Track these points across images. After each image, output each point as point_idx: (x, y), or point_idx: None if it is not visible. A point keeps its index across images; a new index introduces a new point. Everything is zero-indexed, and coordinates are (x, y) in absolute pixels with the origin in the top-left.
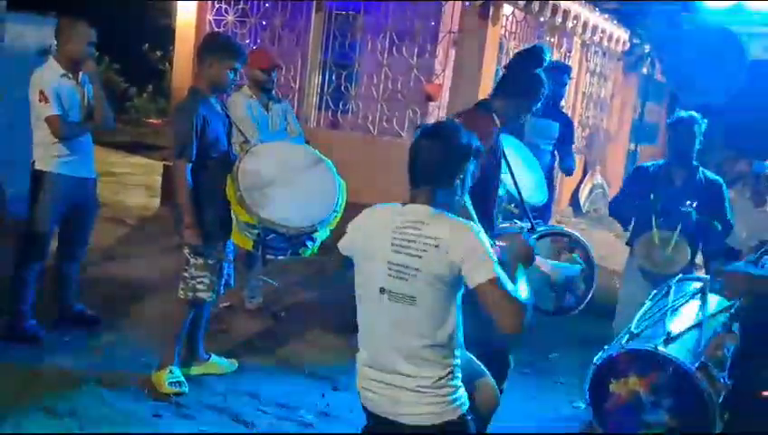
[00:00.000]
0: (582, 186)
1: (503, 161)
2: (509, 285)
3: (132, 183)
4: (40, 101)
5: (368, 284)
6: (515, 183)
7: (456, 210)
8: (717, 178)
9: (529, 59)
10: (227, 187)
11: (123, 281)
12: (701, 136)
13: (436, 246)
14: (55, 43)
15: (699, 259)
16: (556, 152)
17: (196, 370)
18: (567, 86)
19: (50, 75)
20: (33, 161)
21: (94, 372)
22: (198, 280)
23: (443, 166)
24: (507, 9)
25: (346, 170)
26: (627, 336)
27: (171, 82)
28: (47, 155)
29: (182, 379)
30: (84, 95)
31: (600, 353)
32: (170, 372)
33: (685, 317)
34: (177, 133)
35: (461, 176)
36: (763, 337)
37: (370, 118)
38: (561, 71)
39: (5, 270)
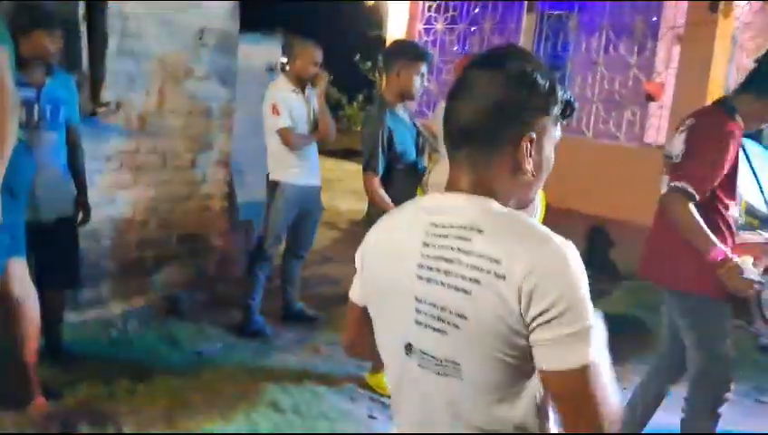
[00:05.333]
0: None
1: (746, 167)
2: (606, 376)
3: (343, 189)
4: (273, 113)
5: (387, 338)
6: (762, 191)
7: (523, 201)
8: None
9: None
10: None
11: (340, 281)
12: None
13: (499, 275)
14: (283, 60)
15: None
16: None
17: None
18: None
19: (281, 90)
20: (268, 173)
21: (314, 370)
22: None
23: (501, 111)
24: None
25: (557, 175)
26: None
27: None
28: (279, 166)
29: None
30: (310, 109)
31: None
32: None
33: None
34: (364, 146)
35: (530, 134)
36: None
37: (584, 120)
38: None
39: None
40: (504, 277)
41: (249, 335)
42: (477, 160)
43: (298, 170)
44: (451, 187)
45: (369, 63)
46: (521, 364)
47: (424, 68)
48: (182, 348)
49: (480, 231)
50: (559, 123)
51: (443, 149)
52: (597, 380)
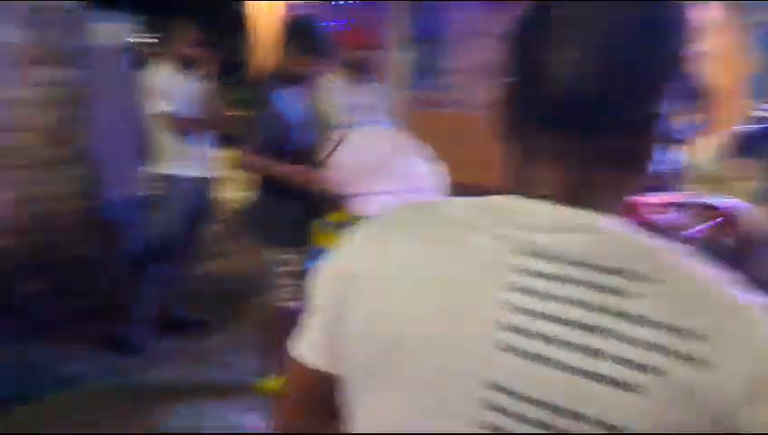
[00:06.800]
0: None
1: None
2: None
3: (223, 177)
4: (154, 99)
5: None
6: None
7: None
8: None
9: None
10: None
11: (226, 279)
12: None
13: (700, 361)
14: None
15: None
16: None
17: None
18: None
19: (161, 74)
20: (154, 165)
21: (204, 382)
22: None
23: (653, 68)
24: None
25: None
26: None
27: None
28: (166, 157)
29: None
30: (195, 93)
31: None
32: None
33: None
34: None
35: (659, 109)
36: None
37: None
38: None
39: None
40: (707, 365)
41: (125, 350)
42: (590, 149)
43: (186, 162)
44: (525, 187)
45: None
46: None
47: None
48: (41, 372)
49: (644, 279)
50: None
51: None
52: None
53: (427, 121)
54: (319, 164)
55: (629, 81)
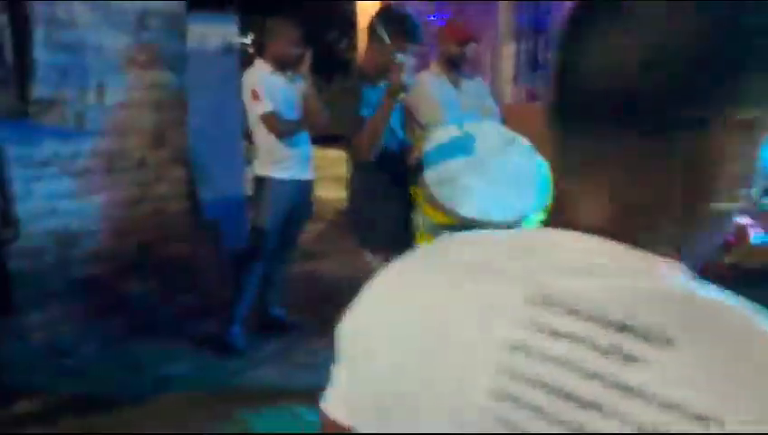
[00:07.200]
0: None
1: None
2: None
3: (325, 177)
4: (253, 99)
5: None
6: None
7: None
8: None
9: None
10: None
11: (325, 279)
12: None
13: None
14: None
15: None
16: None
17: None
18: None
19: (260, 74)
20: (254, 167)
21: (293, 387)
22: None
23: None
24: None
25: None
26: None
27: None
28: (267, 159)
29: None
30: (296, 93)
31: None
32: None
33: None
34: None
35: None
36: None
37: None
38: None
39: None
40: None
41: (222, 351)
42: (635, 166)
43: (288, 163)
44: (563, 215)
45: (345, 43)
46: None
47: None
48: (144, 373)
49: (669, 343)
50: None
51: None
52: None
53: (532, 116)
54: (413, 163)
55: (672, 71)
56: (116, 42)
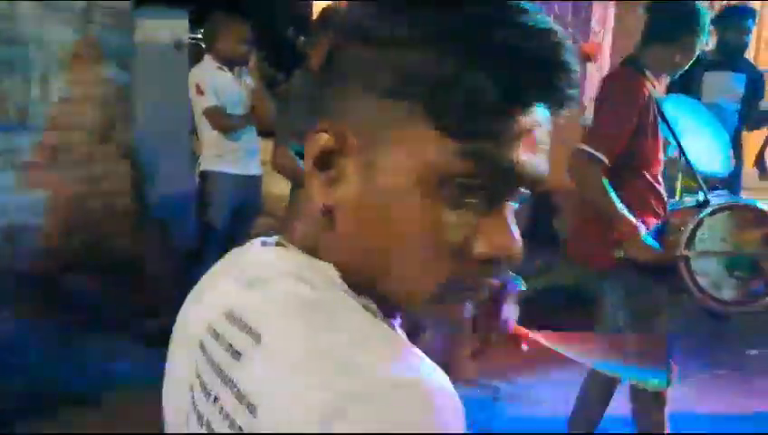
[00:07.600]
0: None
1: (667, 127)
2: None
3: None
4: (197, 94)
5: None
6: (682, 151)
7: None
8: None
9: None
10: None
11: None
12: None
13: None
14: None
15: None
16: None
17: None
18: (751, 33)
19: (205, 69)
20: (199, 162)
21: None
22: None
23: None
24: None
25: None
26: None
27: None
28: (211, 154)
29: None
30: (243, 89)
31: None
32: None
33: None
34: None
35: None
36: None
37: None
38: (742, 15)
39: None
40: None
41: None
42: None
43: (232, 157)
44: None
45: (302, 38)
46: None
47: None
48: (89, 370)
49: (257, 338)
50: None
51: None
52: None
53: None
54: None
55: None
56: (60, 36)
